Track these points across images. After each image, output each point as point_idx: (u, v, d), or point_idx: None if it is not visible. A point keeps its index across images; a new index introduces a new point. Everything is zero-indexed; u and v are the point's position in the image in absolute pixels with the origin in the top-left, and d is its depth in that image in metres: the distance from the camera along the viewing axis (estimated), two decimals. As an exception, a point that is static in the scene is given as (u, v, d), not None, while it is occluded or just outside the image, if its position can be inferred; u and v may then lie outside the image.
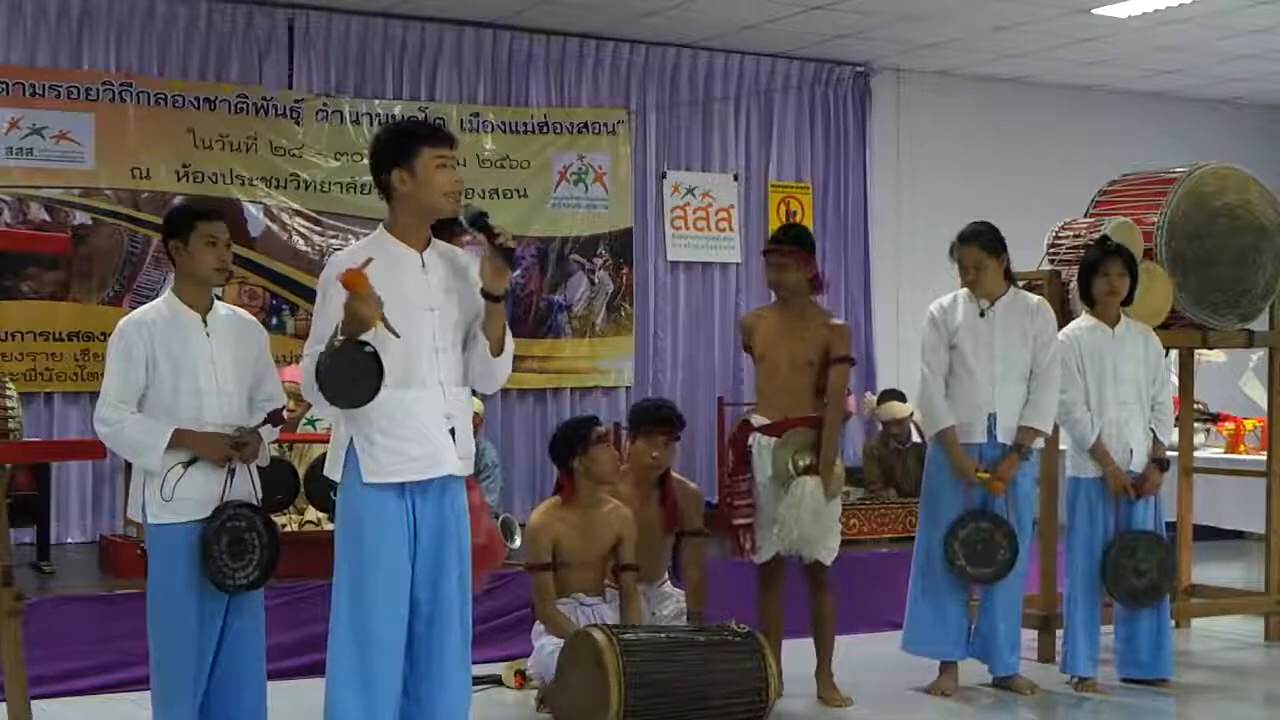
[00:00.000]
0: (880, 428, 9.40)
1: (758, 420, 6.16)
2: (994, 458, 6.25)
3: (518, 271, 10.15)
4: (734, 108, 11.02)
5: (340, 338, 4.09)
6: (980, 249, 6.27)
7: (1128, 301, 6.52)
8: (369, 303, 4.06)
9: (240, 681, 4.75)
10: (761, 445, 6.11)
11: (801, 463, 5.97)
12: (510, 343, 4.44)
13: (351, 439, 4.27)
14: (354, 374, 4.09)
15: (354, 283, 4.04)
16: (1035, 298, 6.45)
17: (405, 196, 4.33)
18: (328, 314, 4.21)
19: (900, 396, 9.15)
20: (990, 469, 6.22)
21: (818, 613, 6.21)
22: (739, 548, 6.18)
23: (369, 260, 4.11)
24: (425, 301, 4.32)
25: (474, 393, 4.54)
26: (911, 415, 8.96)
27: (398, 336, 4.15)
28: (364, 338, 4.09)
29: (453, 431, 4.33)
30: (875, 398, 9.56)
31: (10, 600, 4.67)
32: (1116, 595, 6.46)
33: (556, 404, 10.31)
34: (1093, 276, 6.50)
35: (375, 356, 4.09)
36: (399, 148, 4.32)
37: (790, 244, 6.15)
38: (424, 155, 4.29)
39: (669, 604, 6.24)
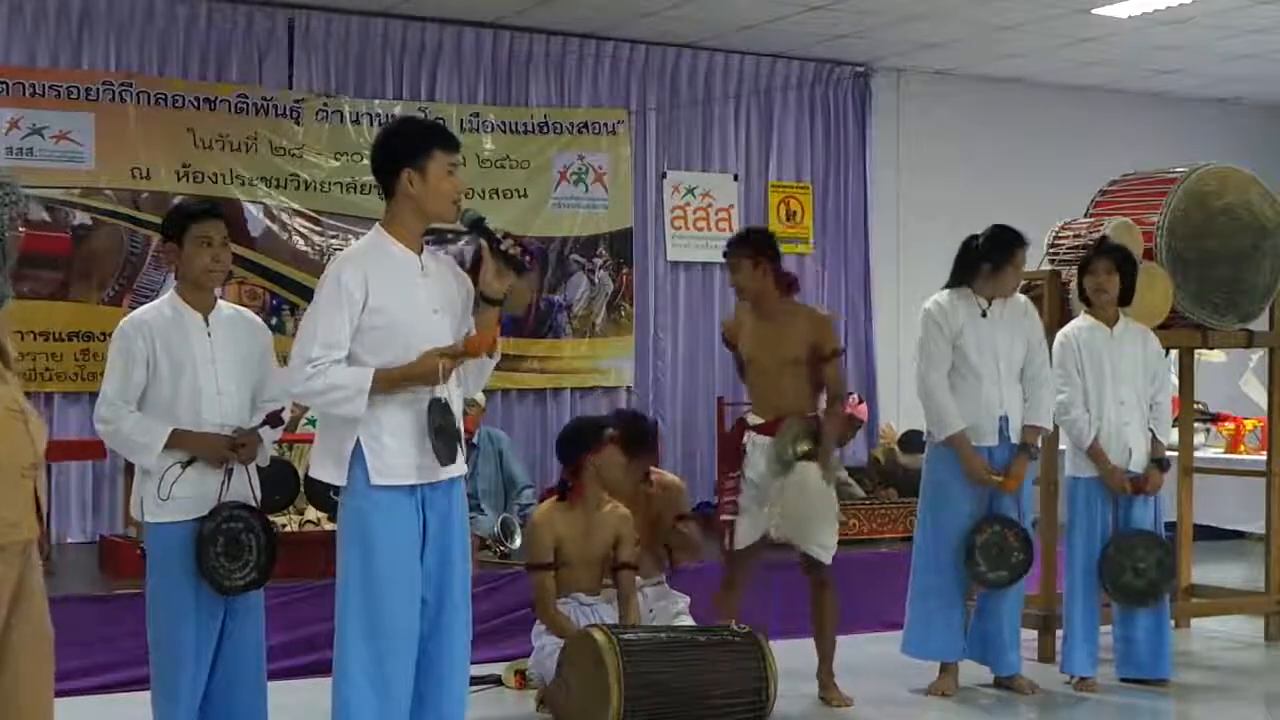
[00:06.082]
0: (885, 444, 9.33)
1: (753, 420, 6.16)
2: (1005, 460, 6.25)
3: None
4: (734, 108, 11.00)
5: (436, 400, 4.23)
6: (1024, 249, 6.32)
7: (1126, 301, 6.52)
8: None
9: (240, 681, 4.74)
10: (756, 443, 6.11)
11: (801, 449, 5.97)
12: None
13: (359, 440, 4.25)
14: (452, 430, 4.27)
15: (485, 348, 4.26)
16: (1022, 298, 6.46)
17: (411, 198, 4.26)
18: (337, 316, 4.26)
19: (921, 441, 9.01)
20: (1001, 470, 6.23)
21: (819, 611, 6.20)
22: (722, 542, 6.18)
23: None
24: (430, 305, 4.31)
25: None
26: None
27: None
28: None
29: (457, 433, 4.33)
30: (896, 433, 9.42)
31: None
32: (1113, 594, 6.46)
33: (556, 404, 10.29)
34: (1083, 276, 6.52)
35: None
36: (413, 147, 4.25)
37: (736, 246, 6.16)
38: (437, 159, 4.23)
39: (672, 605, 6.24)
